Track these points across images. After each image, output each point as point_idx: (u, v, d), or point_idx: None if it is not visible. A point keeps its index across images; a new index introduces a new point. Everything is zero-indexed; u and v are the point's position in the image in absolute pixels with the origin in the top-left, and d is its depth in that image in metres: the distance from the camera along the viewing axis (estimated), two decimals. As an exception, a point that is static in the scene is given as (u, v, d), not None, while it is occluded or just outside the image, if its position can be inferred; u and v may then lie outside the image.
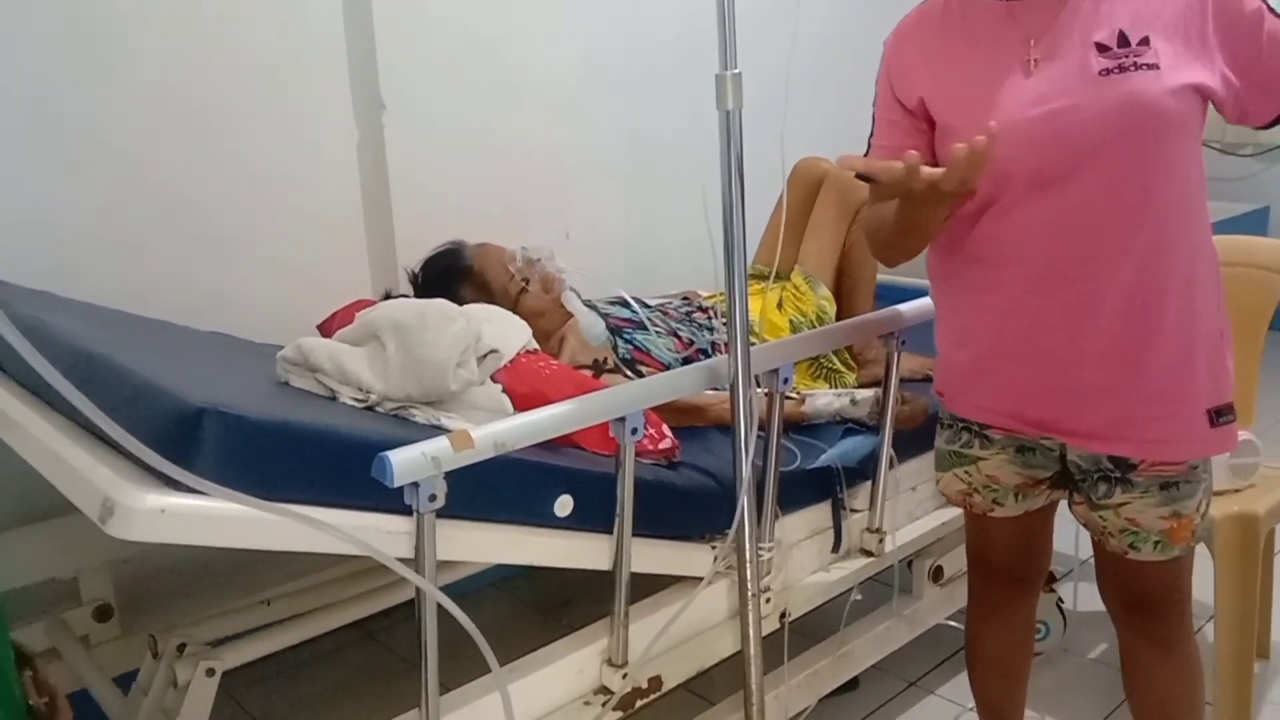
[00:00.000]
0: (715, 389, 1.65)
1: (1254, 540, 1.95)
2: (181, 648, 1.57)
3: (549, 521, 1.45)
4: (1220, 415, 1.39)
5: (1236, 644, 1.97)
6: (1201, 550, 1.92)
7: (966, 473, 1.58)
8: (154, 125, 2.02)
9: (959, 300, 1.50)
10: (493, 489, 1.37)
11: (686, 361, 2.07)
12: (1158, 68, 1.28)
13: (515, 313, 1.85)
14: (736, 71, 1.40)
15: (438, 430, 1.43)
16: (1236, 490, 2.01)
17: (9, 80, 1.86)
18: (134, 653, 1.83)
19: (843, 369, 2.18)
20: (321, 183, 2.25)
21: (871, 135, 1.55)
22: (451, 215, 2.39)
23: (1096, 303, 1.36)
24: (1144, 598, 1.52)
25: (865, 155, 1.55)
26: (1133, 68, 1.28)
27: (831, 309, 2.25)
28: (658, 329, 2.11)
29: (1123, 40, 1.30)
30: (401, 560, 1.26)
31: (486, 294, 1.97)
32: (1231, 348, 1.43)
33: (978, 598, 1.73)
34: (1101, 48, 1.30)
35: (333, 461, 1.24)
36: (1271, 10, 1.31)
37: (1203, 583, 1.95)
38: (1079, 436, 1.44)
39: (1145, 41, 1.29)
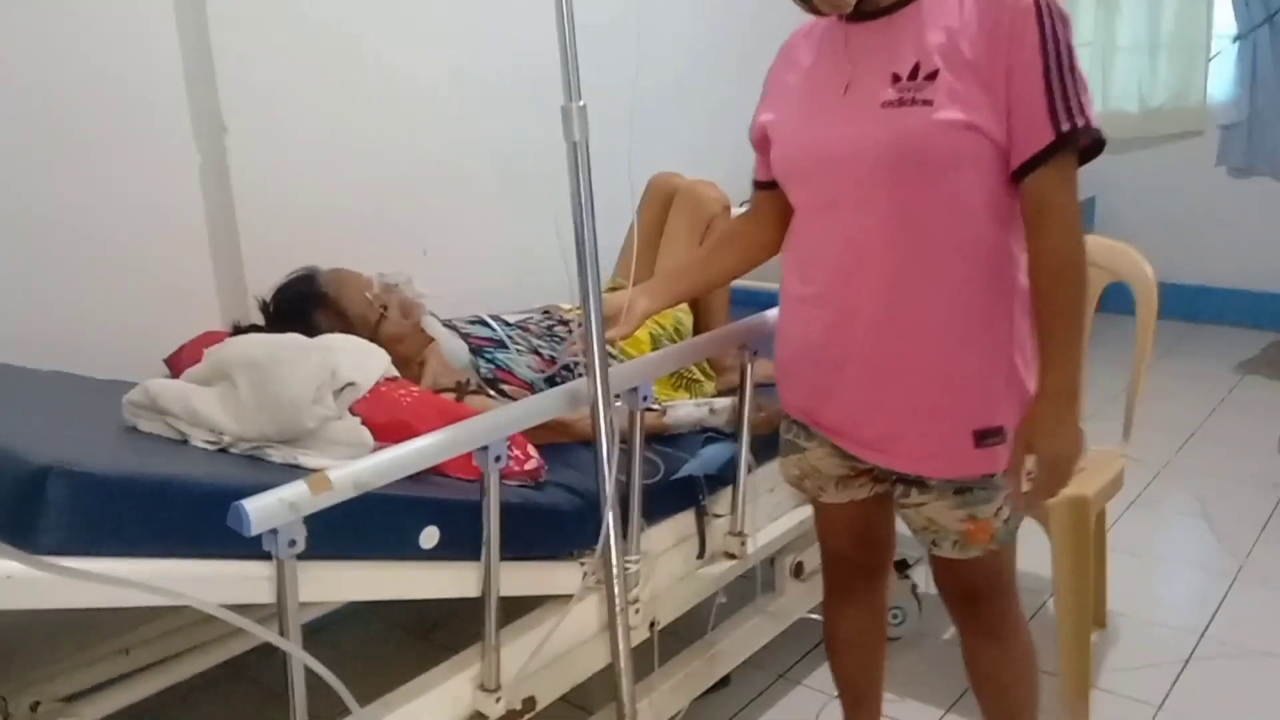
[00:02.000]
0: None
1: (1085, 521, 2.09)
2: (35, 705, 1.52)
3: (415, 553, 1.46)
4: (986, 437, 1.44)
5: (1074, 617, 2.11)
6: (1038, 528, 2.06)
7: (798, 460, 1.66)
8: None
9: (783, 306, 1.60)
10: (355, 526, 1.37)
11: (550, 379, 2.09)
12: (931, 104, 1.34)
13: (374, 339, 1.83)
14: (582, 104, 1.43)
15: (295, 470, 1.42)
16: (1068, 474, 2.15)
17: None
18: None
19: (702, 378, 2.23)
20: (163, 211, 2.18)
21: None
22: (304, 238, 2.34)
23: (858, 322, 1.45)
24: (964, 592, 1.62)
25: None
26: (910, 102, 1.35)
27: (688, 320, 2.31)
28: (519, 347, 2.13)
29: (913, 73, 1.36)
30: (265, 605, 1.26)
31: (343, 322, 1.94)
32: (1029, 369, 1.45)
33: (829, 584, 1.81)
34: (895, 78, 1.37)
35: (187, 512, 1.22)
36: (1047, 68, 1.31)
37: (1044, 560, 2.09)
38: (859, 445, 1.54)
39: (933, 75, 1.34)
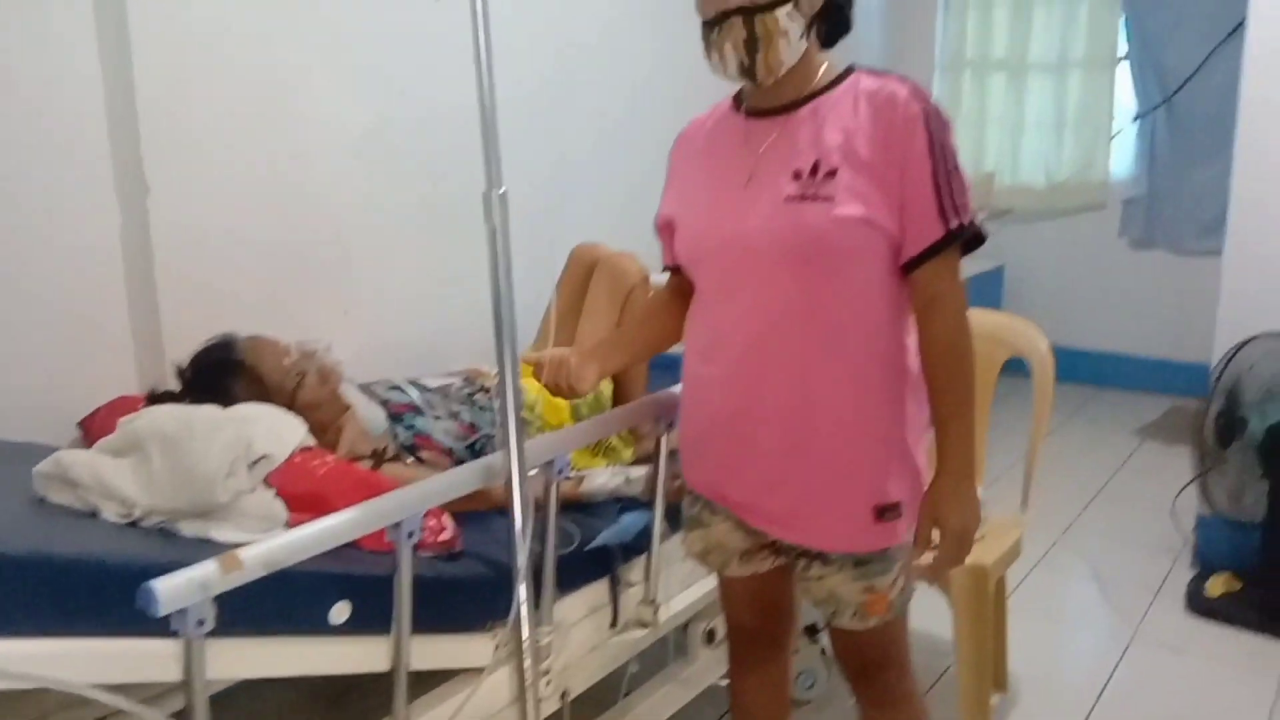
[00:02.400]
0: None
1: (984, 588, 2.17)
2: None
3: (325, 629, 1.46)
4: (885, 512, 1.52)
5: (974, 681, 2.19)
6: (939, 595, 2.13)
7: (703, 535, 1.71)
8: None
9: (686, 383, 1.66)
10: (266, 603, 1.37)
11: (470, 446, 2.12)
12: (831, 200, 1.42)
13: (291, 406, 1.85)
14: (502, 191, 1.47)
15: (206, 544, 1.43)
16: (969, 543, 2.22)
17: None
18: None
19: (619, 445, 2.27)
20: (82, 271, 2.15)
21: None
22: (226, 299, 2.34)
23: (765, 402, 1.52)
24: (861, 662, 1.68)
25: None
26: (812, 198, 1.43)
27: (608, 390, 2.35)
28: (437, 414, 2.15)
29: (814, 170, 1.44)
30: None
31: (260, 389, 1.94)
32: (919, 446, 1.55)
33: (733, 654, 1.86)
34: (796, 175, 1.45)
35: (95, 591, 1.23)
36: (935, 170, 1.40)
37: (946, 624, 2.16)
38: (765, 519, 1.60)
39: (833, 174, 1.43)
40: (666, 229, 1.66)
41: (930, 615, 2.22)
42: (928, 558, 1.55)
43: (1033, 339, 2.34)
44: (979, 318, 2.37)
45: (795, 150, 1.47)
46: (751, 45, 1.43)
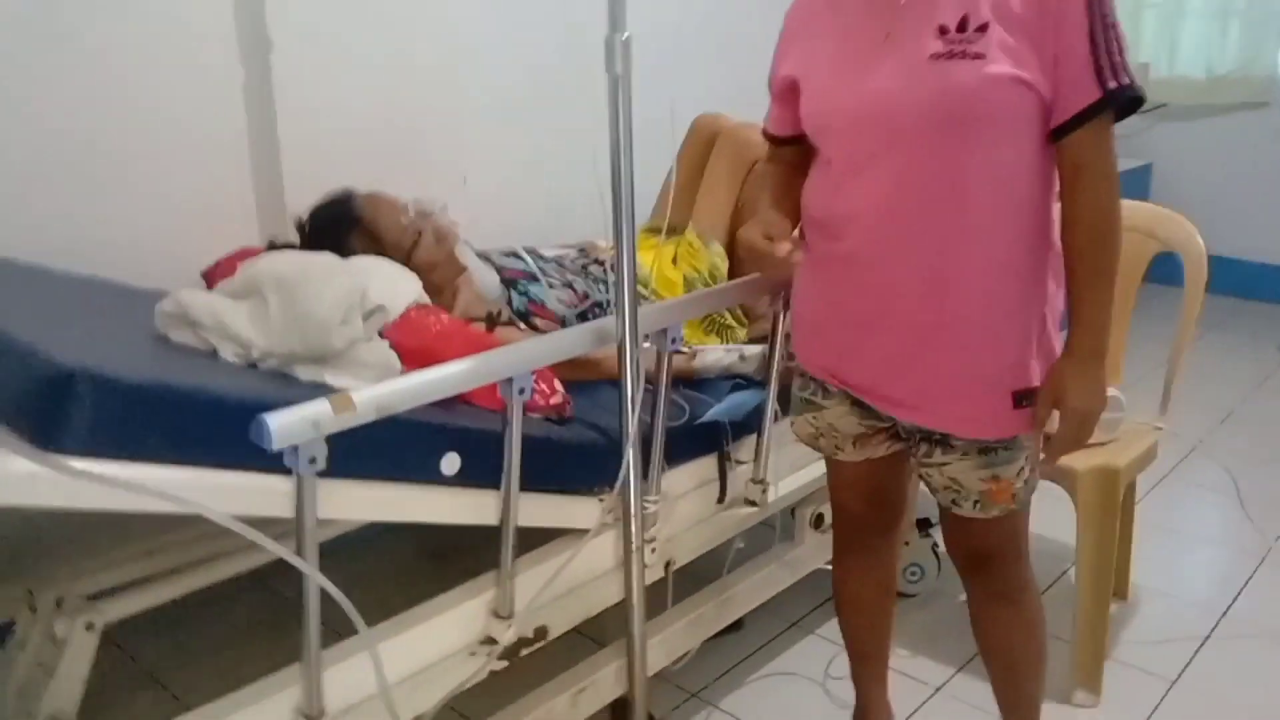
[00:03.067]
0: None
1: (1113, 492, 2.07)
2: (60, 601, 1.56)
3: (435, 479, 1.47)
4: (1024, 398, 1.44)
5: (1094, 588, 2.10)
6: (1065, 496, 2.04)
7: (814, 418, 1.64)
8: (29, 62, 1.93)
9: (806, 262, 1.55)
10: (377, 448, 1.38)
11: (581, 315, 2.09)
12: (983, 57, 1.30)
13: (407, 265, 1.83)
14: (626, 35, 1.39)
15: (321, 389, 1.43)
16: (1100, 444, 2.12)
17: None
18: (12, 603, 1.79)
19: (734, 324, 2.22)
20: (206, 124, 2.18)
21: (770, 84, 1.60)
22: (345, 159, 2.34)
23: (899, 280, 1.42)
24: (978, 553, 1.61)
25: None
26: (961, 55, 1.31)
27: (724, 265, 2.28)
28: (551, 281, 2.12)
29: (962, 25, 1.32)
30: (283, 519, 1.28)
31: (377, 245, 1.94)
32: (1057, 330, 1.47)
33: (839, 539, 1.81)
34: (942, 30, 1.33)
35: (210, 423, 1.23)
36: (1092, 27, 1.30)
37: (1068, 528, 2.07)
38: (889, 403, 1.52)
39: (983, 28, 1.31)
40: (786, 93, 1.53)
41: (1051, 518, 2.13)
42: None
43: (1188, 233, 2.18)
44: (1129, 207, 2.22)
45: (938, 4, 1.34)
46: None
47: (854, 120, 1.40)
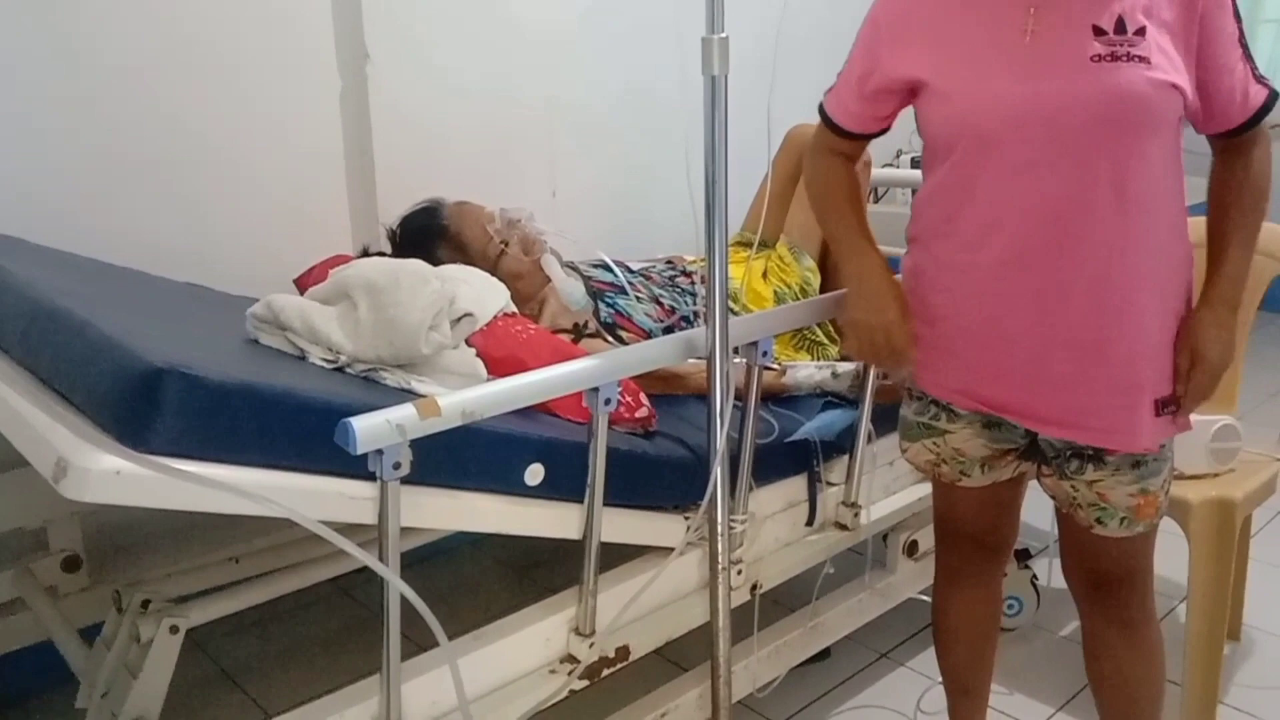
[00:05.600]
0: (694, 359, 1.63)
1: (1230, 525, 1.95)
2: (146, 603, 1.56)
3: (519, 489, 1.44)
4: (1165, 405, 1.41)
5: (1208, 626, 1.97)
6: (1173, 529, 1.93)
7: (934, 444, 1.57)
8: (132, 73, 1.98)
9: (930, 275, 1.49)
10: (462, 456, 1.35)
11: (668, 329, 2.05)
12: (1148, 61, 1.27)
13: (494, 275, 1.82)
14: (724, 36, 1.36)
15: (407, 394, 1.41)
16: (1215, 475, 2.00)
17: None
18: (102, 604, 1.80)
19: (825, 341, 2.15)
20: (303, 134, 2.21)
21: (843, 71, 1.54)
22: (437, 169, 2.35)
23: (1064, 292, 1.35)
24: (1107, 576, 1.53)
25: (834, 85, 1.57)
26: (1125, 58, 1.27)
27: (816, 280, 2.22)
28: (639, 294, 2.08)
29: (1120, 27, 1.28)
30: (365, 526, 1.26)
31: (464, 255, 1.93)
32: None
33: (944, 567, 1.73)
34: (1098, 31, 1.28)
35: (296, 425, 1.22)
36: (1242, 36, 1.36)
37: (1176, 563, 1.96)
38: (1042, 422, 1.44)
39: (1141, 31, 1.28)
40: (887, 93, 1.46)
41: (1159, 551, 2.01)
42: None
43: (1312, 251, 2.05)
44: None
45: (1089, 3, 1.29)
46: None
47: (1011, 122, 1.32)
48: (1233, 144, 1.41)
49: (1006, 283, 1.38)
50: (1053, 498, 1.54)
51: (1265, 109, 1.38)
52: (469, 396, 1.28)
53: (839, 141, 1.58)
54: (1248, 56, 1.36)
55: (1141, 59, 1.27)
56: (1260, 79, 1.37)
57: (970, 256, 1.41)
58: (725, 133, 1.40)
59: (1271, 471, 2.08)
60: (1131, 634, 1.55)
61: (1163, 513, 1.48)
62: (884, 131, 1.56)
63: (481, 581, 2.36)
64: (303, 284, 1.98)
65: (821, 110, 1.59)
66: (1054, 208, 1.32)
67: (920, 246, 1.50)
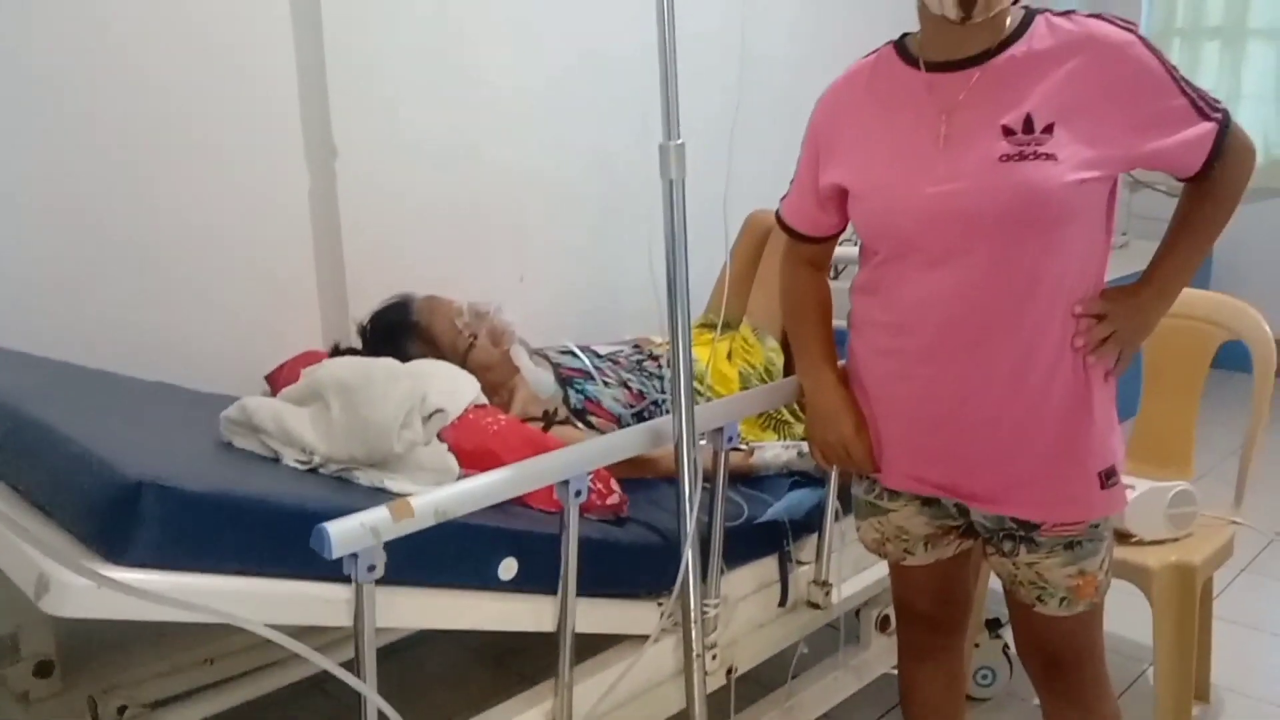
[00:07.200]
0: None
1: (1191, 589, 1.99)
2: (122, 710, 1.56)
3: (493, 584, 1.46)
4: (1109, 477, 1.44)
5: (1175, 689, 2.01)
6: (1139, 594, 1.97)
7: (879, 523, 1.61)
8: (99, 168, 2.01)
9: (864, 359, 1.54)
10: (435, 554, 1.37)
11: (638, 413, 2.09)
12: (1055, 158, 1.31)
13: (464, 367, 1.85)
14: (680, 142, 1.42)
15: (380, 493, 1.44)
16: (1175, 539, 2.05)
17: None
18: (76, 709, 1.80)
19: (791, 420, 2.20)
20: (272, 229, 2.25)
21: (794, 179, 1.62)
22: (407, 260, 2.39)
23: (987, 376, 1.41)
24: (1057, 657, 1.55)
25: (788, 193, 1.64)
26: (1032, 156, 1.32)
27: (780, 360, 2.28)
28: (607, 380, 2.12)
29: (1027, 126, 1.33)
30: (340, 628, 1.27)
31: (434, 349, 1.97)
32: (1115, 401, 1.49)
33: (905, 644, 1.76)
34: (1007, 131, 1.34)
35: (272, 531, 1.24)
36: (1175, 80, 1.35)
37: (1145, 627, 1.99)
38: (976, 499, 1.49)
39: (1049, 129, 1.32)
40: (830, 199, 1.53)
41: (1128, 617, 2.06)
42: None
43: (1254, 320, 2.13)
44: (1193, 298, 2.20)
45: (999, 105, 1.35)
46: None
47: (927, 220, 1.39)
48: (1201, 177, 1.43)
49: (932, 368, 1.44)
50: (998, 575, 1.57)
51: (1220, 140, 1.37)
52: (441, 496, 1.30)
53: (804, 248, 1.64)
54: (1188, 92, 1.34)
55: (1049, 156, 1.31)
56: (1209, 111, 1.35)
57: (898, 343, 1.47)
58: (685, 234, 1.45)
59: (1229, 534, 2.13)
60: (1085, 713, 1.58)
61: (1104, 592, 1.50)
62: (843, 230, 1.61)
63: (457, 671, 2.35)
64: (274, 381, 2.01)
65: (779, 219, 1.65)
66: (972, 299, 1.38)
67: (856, 332, 1.56)
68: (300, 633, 1.96)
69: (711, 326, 2.31)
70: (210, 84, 2.12)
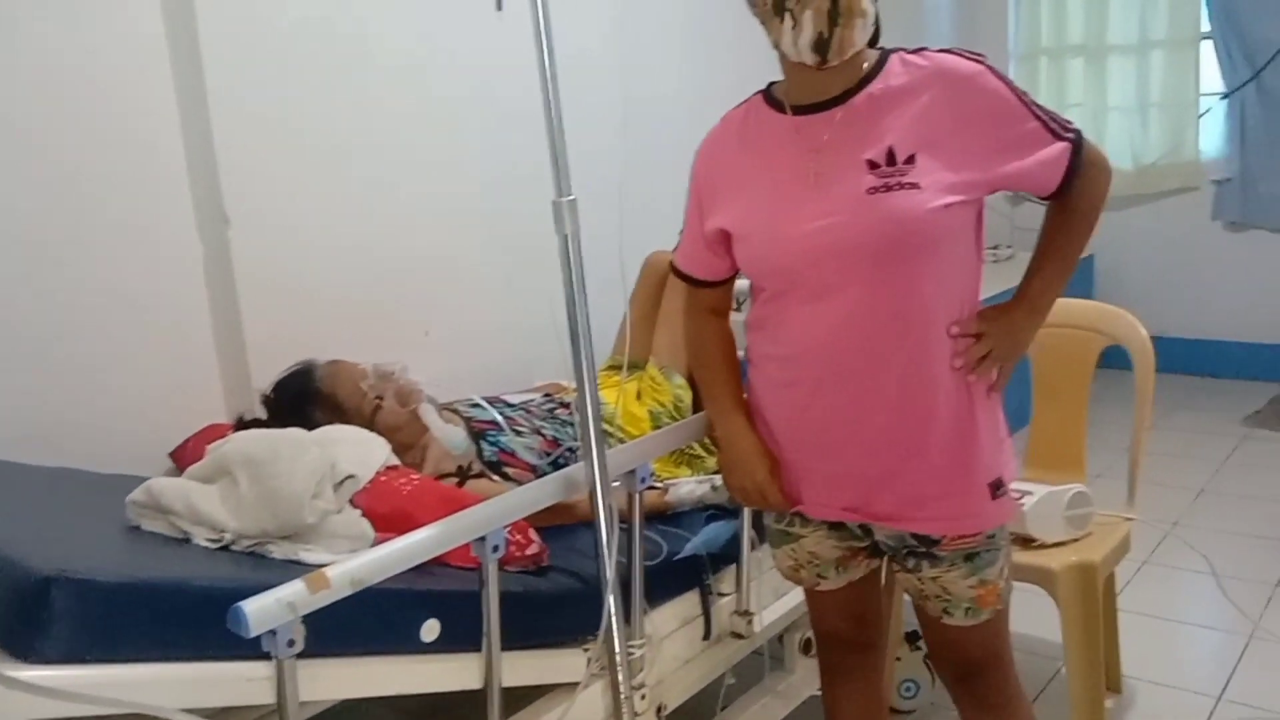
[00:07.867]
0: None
1: (1093, 586, 2.08)
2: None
3: (416, 648, 1.46)
4: (998, 488, 1.51)
5: (1087, 684, 2.09)
6: (1043, 596, 2.05)
7: (793, 550, 1.66)
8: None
9: (762, 392, 1.59)
10: (355, 622, 1.37)
11: (553, 460, 2.10)
12: (919, 187, 1.38)
13: (371, 429, 1.85)
14: (572, 198, 1.45)
15: (296, 566, 1.43)
16: (1075, 540, 2.14)
17: None
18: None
19: (704, 453, 2.24)
20: (168, 302, 2.20)
21: (684, 227, 1.66)
22: (308, 325, 2.37)
23: (873, 399, 1.46)
24: (968, 665, 1.62)
25: (680, 242, 1.68)
26: (897, 186, 1.38)
27: (688, 396, 2.32)
28: (519, 429, 2.14)
29: (890, 159, 1.40)
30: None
31: (340, 415, 1.96)
32: (1003, 414, 1.56)
33: (825, 665, 1.80)
34: (872, 165, 1.40)
35: (188, 614, 1.23)
36: (1025, 104, 1.42)
37: (1054, 627, 2.07)
38: (879, 518, 1.55)
39: (911, 159, 1.39)
40: (718, 243, 1.58)
41: (1039, 618, 2.14)
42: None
43: (1131, 326, 2.25)
44: (1073, 308, 2.31)
45: (862, 141, 1.42)
46: (834, 18, 1.35)
47: (805, 256, 1.45)
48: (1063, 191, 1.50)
49: (825, 397, 1.50)
50: (907, 591, 1.63)
51: (1075, 158, 1.43)
52: (356, 564, 1.30)
53: (704, 294, 1.67)
54: (1039, 115, 1.41)
55: (913, 185, 1.38)
56: (1062, 132, 1.42)
57: (792, 375, 1.53)
58: (583, 285, 1.49)
59: (1125, 530, 2.23)
60: (999, 716, 1.64)
61: (1005, 599, 1.56)
62: (737, 273, 1.65)
63: (387, 733, 2.32)
64: (179, 457, 1.98)
65: (675, 269, 1.69)
66: (854, 328, 1.45)
67: (754, 366, 1.61)
68: (224, 713, 1.93)
69: (618, 368, 2.34)
70: (99, 158, 2.08)
